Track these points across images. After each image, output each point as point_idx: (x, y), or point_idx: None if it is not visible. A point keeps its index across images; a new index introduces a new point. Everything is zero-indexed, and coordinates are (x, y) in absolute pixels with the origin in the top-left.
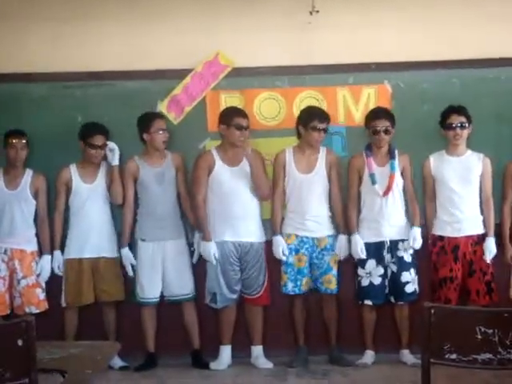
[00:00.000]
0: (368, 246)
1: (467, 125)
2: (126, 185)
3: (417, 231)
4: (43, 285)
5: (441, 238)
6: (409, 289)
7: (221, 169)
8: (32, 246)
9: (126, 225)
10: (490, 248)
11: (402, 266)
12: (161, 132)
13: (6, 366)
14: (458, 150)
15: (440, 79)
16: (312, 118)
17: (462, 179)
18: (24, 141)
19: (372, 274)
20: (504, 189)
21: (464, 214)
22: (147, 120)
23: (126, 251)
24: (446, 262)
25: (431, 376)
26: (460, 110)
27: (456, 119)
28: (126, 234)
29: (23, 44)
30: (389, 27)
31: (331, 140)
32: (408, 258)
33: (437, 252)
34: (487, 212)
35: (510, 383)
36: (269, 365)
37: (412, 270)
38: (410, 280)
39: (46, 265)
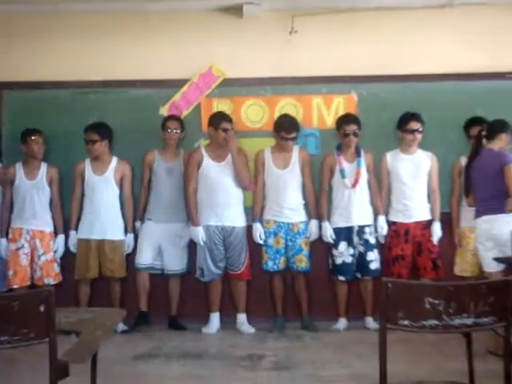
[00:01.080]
0: (340, 230)
1: (422, 129)
2: (143, 172)
3: (381, 219)
4: (59, 260)
5: (394, 223)
6: (373, 266)
7: (208, 164)
8: (50, 228)
9: (140, 206)
10: (437, 231)
11: (368, 247)
12: (169, 130)
13: (30, 328)
14: (410, 149)
15: (397, 90)
16: (281, 129)
17: (413, 174)
18: (42, 137)
19: (344, 254)
20: (452, 183)
21: (414, 203)
22: (164, 120)
23: (138, 224)
24: (398, 243)
25: (387, 339)
26: (419, 118)
27: (415, 125)
28: (140, 211)
29: (49, 57)
30: (355, 47)
31: (306, 141)
32: (372, 240)
33: (391, 235)
34: (434, 201)
35: (452, 344)
36: (251, 330)
37: (375, 251)
38: (374, 259)
39: (61, 243)
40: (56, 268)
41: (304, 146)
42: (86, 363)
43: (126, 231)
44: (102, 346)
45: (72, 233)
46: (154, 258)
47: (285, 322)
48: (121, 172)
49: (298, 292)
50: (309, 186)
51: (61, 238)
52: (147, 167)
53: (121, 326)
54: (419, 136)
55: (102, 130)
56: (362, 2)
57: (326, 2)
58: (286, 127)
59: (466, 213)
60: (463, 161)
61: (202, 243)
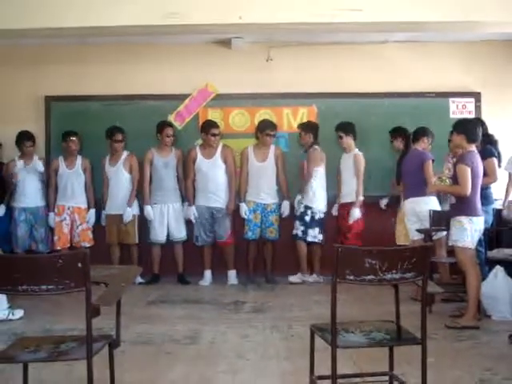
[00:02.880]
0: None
1: (344, 136)
2: (145, 167)
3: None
4: (91, 228)
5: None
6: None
7: (201, 160)
8: (84, 204)
9: (146, 192)
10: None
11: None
12: (168, 136)
13: (71, 279)
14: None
15: (347, 104)
16: (266, 128)
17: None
18: (78, 137)
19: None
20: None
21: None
22: (161, 126)
23: (148, 208)
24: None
25: (338, 290)
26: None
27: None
28: (147, 197)
29: (84, 79)
30: (316, 71)
31: (279, 141)
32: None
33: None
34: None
35: (384, 293)
36: (236, 281)
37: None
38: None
39: (92, 215)
40: (90, 234)
41: (277, 145)
42: (113, 306)
43: (139, 209)
44: (125, 294)
45: (104, 211)
46: (164, 234)
47: (253, 277)
48: (129, 163)
49: (266, 255)
50: (281, 176)
51: (92, 211)
52: (148, 162)
53: (138, 279)
54: (342, 141)
55: (123, 130)
56: (322, 38)
57: (294, 37)
58: (270, 126)
59: None
60: None
61: (193, 220)
